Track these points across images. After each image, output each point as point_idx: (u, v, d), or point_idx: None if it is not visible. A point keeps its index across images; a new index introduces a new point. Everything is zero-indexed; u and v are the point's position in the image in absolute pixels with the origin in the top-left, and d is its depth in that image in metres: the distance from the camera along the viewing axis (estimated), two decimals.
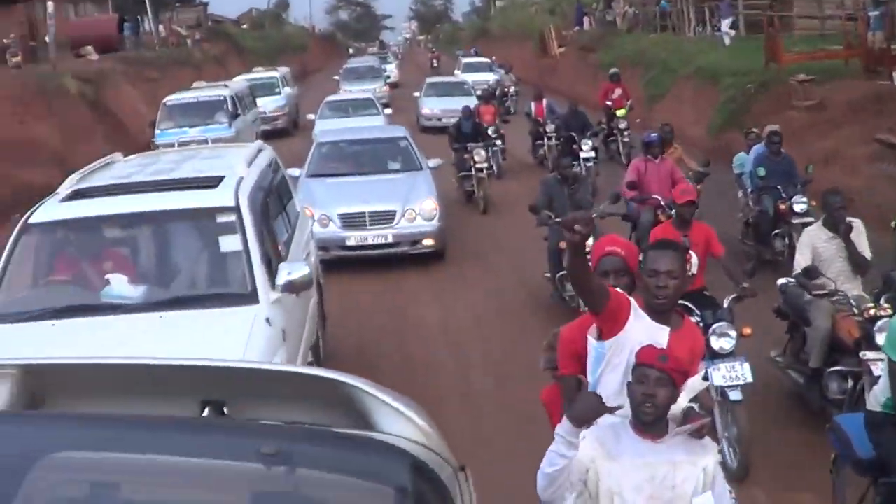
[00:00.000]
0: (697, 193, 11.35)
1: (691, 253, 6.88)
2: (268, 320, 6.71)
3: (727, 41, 28.50)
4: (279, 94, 32.02)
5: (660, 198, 11.36)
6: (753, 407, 7.34)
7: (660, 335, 4.33)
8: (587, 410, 3.92)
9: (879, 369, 6.67)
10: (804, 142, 17.97)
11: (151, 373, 2.16)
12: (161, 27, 50.18)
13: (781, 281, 8.44)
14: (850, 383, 7.35)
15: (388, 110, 26.49)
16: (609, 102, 22.21)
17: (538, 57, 49.19)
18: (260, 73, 34.54)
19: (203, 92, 24.96)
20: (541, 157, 21.40)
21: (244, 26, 75.02)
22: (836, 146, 17.39)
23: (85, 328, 6.61)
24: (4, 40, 38.41)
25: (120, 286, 7.03)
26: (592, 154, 18.04)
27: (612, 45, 37.97)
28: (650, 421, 4.05)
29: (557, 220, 10.50)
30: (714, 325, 7.14)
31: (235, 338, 6.30)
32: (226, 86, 25.74)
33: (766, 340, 8.75)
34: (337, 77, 40.73)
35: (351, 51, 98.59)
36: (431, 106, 30.11)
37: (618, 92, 22.54)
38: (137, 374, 2.14)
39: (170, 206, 7.63)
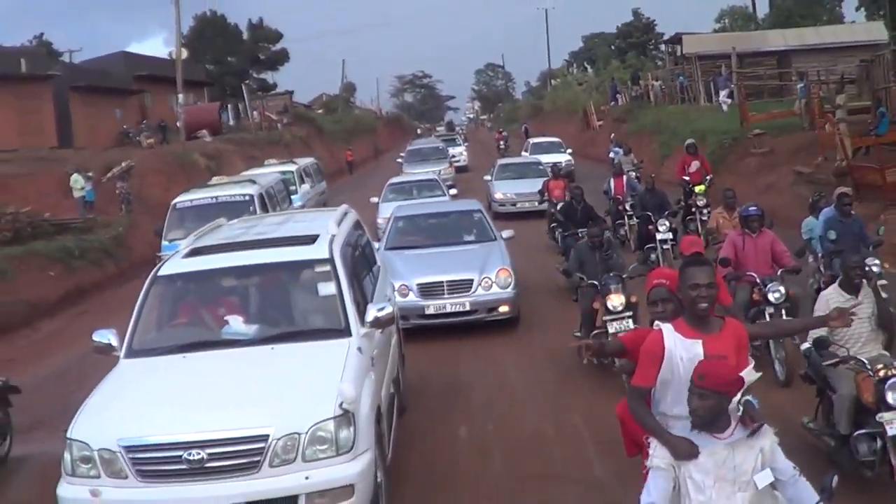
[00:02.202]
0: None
1: None
2: (359, 349, 7.45)
3: (725, 108, 33.85)
4: (295, 192, 24.48)
5: (756, 275, 10.33)
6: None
7: (696, 348, 4.73)
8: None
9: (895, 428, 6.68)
10: (756, 179, 23.55)
11: None
12: (255, 113, 53.77)
13: (805, 346, 7.69)
14: (879, 443, 6.96)
15: (454, 191, 24.40)
16: (686, 178, 19.61)
17: (582, 130, 53.10)
18: (273, 168, 26.33)
19: (225, 190, 19.11)
20: (622, 238, 18.38)
21: (319, 111, 77.08)
22: (776, 179, 22.56)
23: (211, 358, 7.46)
24: (125, 126, 42.84)
25: (237, 325, 7.91)
26: (670, 236, 16.08)
27: (638, 117, 42.51)
28: (699, 425, 4.50)
29: (591, 282, 11.07)
30: None
31: (334, 362, 7.09)
32: (253, 181, 20.05)
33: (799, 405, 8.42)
34: (400, 159, 37.28)
35: (419, 131, 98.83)
36: (505, 190, 26.96)
37: (695, 165, 19.88)
38: None
39: (276, 259, 8.49)
